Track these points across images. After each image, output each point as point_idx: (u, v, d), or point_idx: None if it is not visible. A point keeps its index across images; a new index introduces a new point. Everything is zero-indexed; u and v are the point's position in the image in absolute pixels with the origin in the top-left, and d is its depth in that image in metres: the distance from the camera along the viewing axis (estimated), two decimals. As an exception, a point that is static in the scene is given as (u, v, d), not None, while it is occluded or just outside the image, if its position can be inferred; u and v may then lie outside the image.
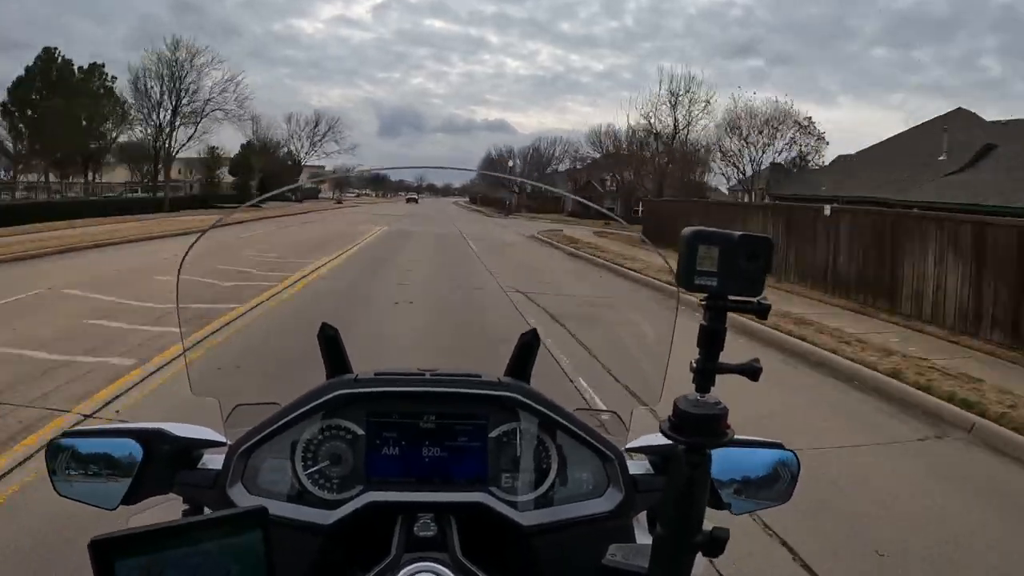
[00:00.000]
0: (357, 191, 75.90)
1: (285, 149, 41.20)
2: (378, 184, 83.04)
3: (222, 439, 0.72)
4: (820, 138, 23.62)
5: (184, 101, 27.79)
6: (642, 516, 0.76)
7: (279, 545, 0.47)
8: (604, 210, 1.83)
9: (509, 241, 15.88)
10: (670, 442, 0.55)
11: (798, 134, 24.11)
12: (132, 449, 0.67)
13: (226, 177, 36.54)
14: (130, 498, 0.67)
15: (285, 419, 0.66)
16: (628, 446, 0.77)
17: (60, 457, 0.67)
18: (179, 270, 0.77)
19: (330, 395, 0.67)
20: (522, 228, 19.31)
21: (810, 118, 22.33)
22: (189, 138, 28.57)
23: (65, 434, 0.68)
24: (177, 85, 27.66)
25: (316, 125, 42.95)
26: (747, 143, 24.31)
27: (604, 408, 0.90)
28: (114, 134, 28.21)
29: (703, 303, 0.55)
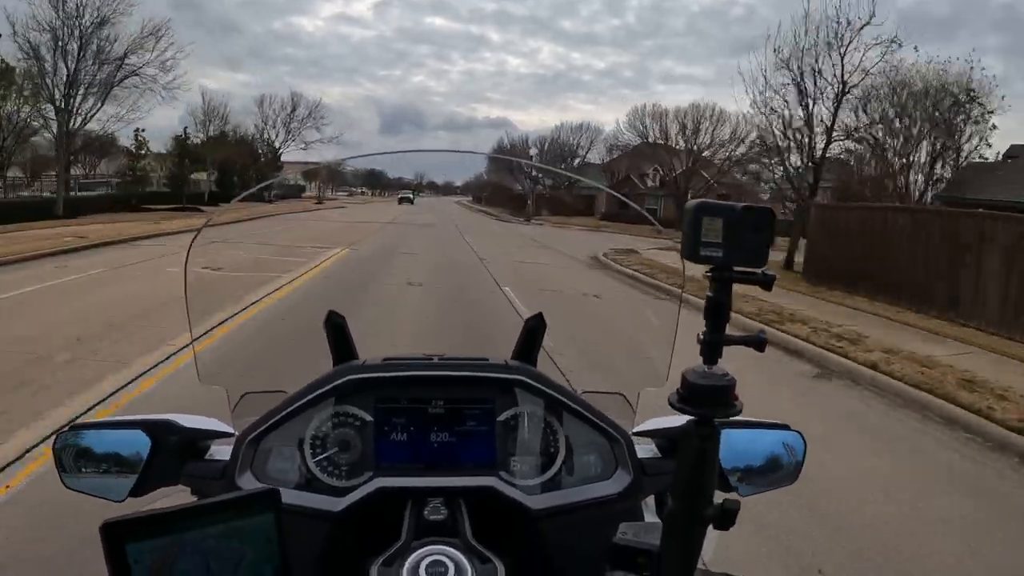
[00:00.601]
0: (350, 188, 74.82)
1: (258, 137, 34.94)
2: (374, 181, 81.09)
3: (230, 430, 0.75)
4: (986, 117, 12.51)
5: (89, 65, 17.63)
6: (650, 500, 0.79)
7: (289, 532, 0.49)
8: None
9: (579, 288, 7.46)
10: (677, 425, 0.57)
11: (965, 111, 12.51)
12: (140, 440, 0.69)
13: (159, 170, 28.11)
14: (138, 490, 0.70)
15: (293, 407, 0.69)
16: (635, 429, 0.80)
17: (68, 449, 0.70)
18: (186, 262, 0.79)
19: (338, 381, 0.70)
20: (561, 242, 12.21)
21: (971, 90, 12.05)
22: (90, 115, 18.09)
23: (73, 426, 0.71)
24: (77, 42, 17.39)
25: (293, 110, 36.35)
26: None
27: (610, 390, 0.93)
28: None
29: (708, 275, 0.57)
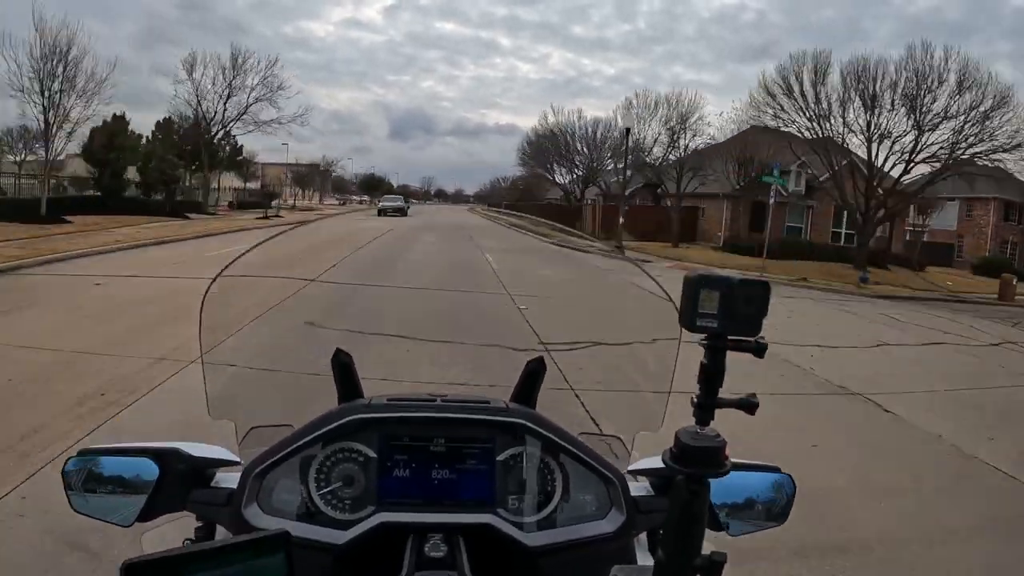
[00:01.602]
0: (345, 196, 73.49)
1: (197, 118, 25.26)
2: (374, 188, 76.50)
3: (235, 458, 0.83)
4: None
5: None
6: (642, 536, 0.86)
7: (295, 570, 0.55)
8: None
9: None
10: (662, 456, 0.63)
11: None
12: (147, 467, 0.77)
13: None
14: (145, 515, 0.77)
15: (299, 442, 0.77)
16: (630, 468, 0.88)
17: (77, 473, 0.77)
18: (203, 302, 0.86)
19: (343, 420, 0.77)
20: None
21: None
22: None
23: (82, 451, 0.79)
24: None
25: (235, 73, 24.87)
26: None
27: (608, 433, 1.01)
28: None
29: (703, 343, 0.63)
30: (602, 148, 29.79)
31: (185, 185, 26.09)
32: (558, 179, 35.14)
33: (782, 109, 19.22)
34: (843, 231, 23.09)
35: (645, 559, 0.83)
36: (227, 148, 29.15)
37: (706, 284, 0.61)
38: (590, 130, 30.38)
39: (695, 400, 0.64)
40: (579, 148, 31.06)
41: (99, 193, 19.50)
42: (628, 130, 20.30)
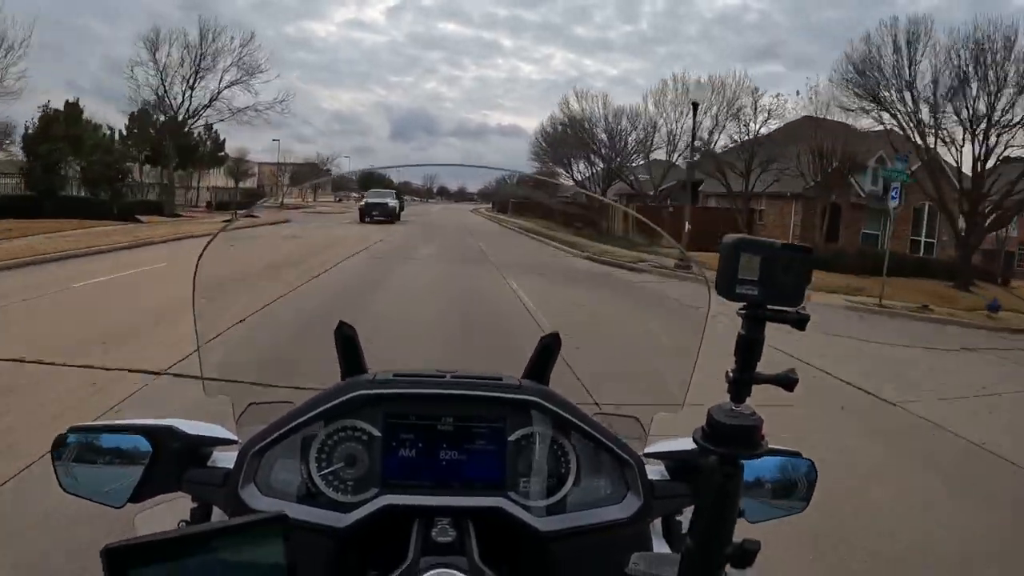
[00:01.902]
0: (341, 195, 76.70)
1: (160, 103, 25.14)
2: (373, 186, 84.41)
3: (232, 436, 0.92)
4: None
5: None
6: (657, 522, 0.94)
7: (294, 554, 0.60)
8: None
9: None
10: (688, 448, 0.69)
11: None
12: (140, 446, 0.85)
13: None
14: (137, 496, 0.85)
15: (300, 419, 0.85)
16: (646, 451, 0.96)
17: (66, 452, 0.85)
18: (195, 270, 0.96)
19: (347, 396, 0.85)
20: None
21: None
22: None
23: (72, 429, 0.87)
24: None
25: (203, 52, 24.75)
26: None
27: (625, 414, 1.09)
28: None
29: (742, 312, 0.70)
30: (626, 139, 30.64)
31: (155, 183, 26.42)
32: (576, 175, 35.53)
33: (869, 95, 18.25)
34: (922, 239, 22.47)
35: (660, 546, 0.91)
36: (207, 142, 29.85)
37: (747, 247, 0.66)
38: (612, 119, 31.02)
39: (730, 374, 0.71)
40: (603, 139, 31.84)
41: (33, 192, 18.94)
42: (696, 106, 18.22)
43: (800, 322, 0.70)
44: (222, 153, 32.80)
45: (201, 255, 0.97)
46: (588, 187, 33.18)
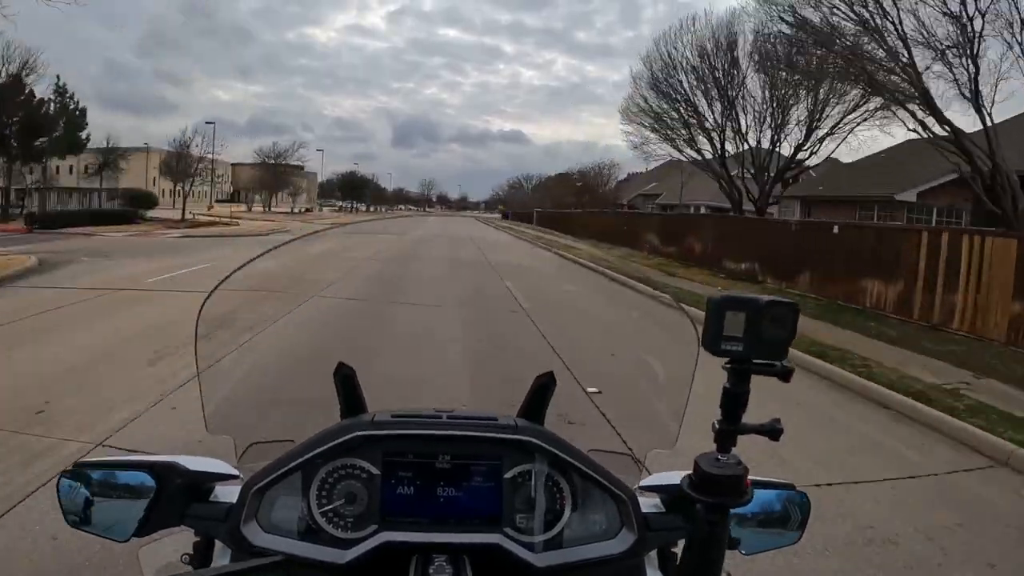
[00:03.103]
0: (316, 203, 78.92)
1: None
2: (356, 190, 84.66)
3: (234, 472, 1.09)
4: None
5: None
6: (653, 554, 1.10)
7: None
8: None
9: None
10: (680, 482, 0.85)
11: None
12: (144, 481, 1.02)
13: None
14: (141, 530, 1.02)
15: (301, 458, 1.02)
16: (641, 484, 1.13)
17: (72, 487, 1.03)
18: (199, 313, 1.14)
19: (346, 436, 1.02)
20: None
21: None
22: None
23: (77, 464, 1.04)
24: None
25: None
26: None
27: (620, 451, 1.29)
28: None
29: (727, 366, 0.86)
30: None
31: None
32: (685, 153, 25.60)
33: None
34: None
35: None
36: (53, 110, 22.25)
37: (731, 305, 0.83)
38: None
39: (716, 426, 0.87)
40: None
41: None
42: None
43: (784, 374, 0.86)
44: (84, 133, 26.51)
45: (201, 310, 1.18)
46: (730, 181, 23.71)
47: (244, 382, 1.66)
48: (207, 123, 39.88)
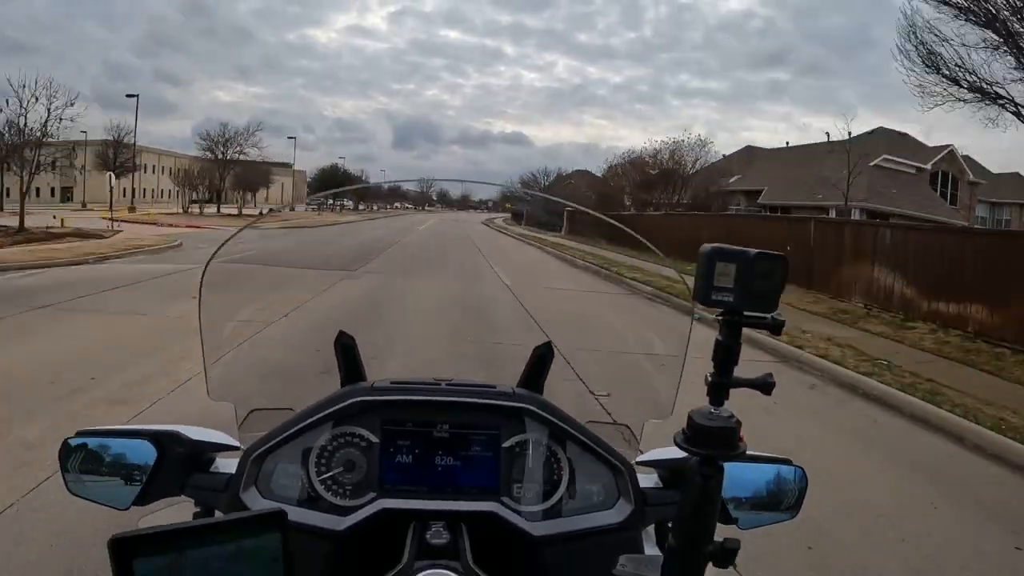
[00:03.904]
0: (315, 203, 78.27)
1: None
2: (331, 184, 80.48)
3: (235, 443, 1.22)
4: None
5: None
6: (650, 529, 1.22)
7: (292, 549, 0.80)
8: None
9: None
10: (680, 456, 0.96)
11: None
12: (145, 450, 1.14)
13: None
14: (142, 499, 1.15)
15: (300, 425, 1.14)
16: (638, 459, 1.24)
17: (73, 456, 1.15)
18: (202, 276, 1.27)
19: (346, 403, 1.14)
20: None
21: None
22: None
23: (79, 433, 1.17)
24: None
25: None
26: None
27: (616, 421, 1.40)
28: None
29: (718, 318, 0.96)
30: None
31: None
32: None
33: None
34: None
35: (653, 552, 1.18)
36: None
37: (722, 256, 0.91)
38: None
39: (709, 379, 0.96)
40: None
41: None
42: None
43: (776, 327, 0.95)
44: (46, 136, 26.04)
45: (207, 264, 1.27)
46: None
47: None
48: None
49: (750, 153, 48.15)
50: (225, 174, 51.86)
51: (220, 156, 54.10)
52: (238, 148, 54.56)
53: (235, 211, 60.58)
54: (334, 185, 75.84)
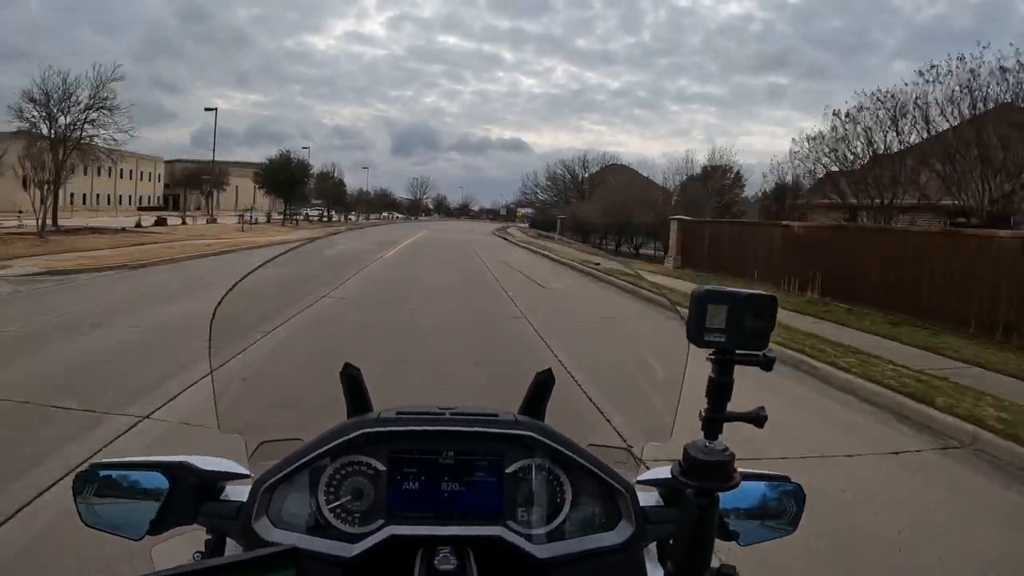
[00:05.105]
0: (303, 210, 74.19)
1: None
2: (289, 189, 68.28)
3: (244, 471, 1.45)
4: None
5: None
6: (652, 547, 1.44)
7: None
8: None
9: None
10: (671, 470, 1.17)
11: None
12: (158, 481, 1.37)
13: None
14: (155, 529, 1.37)
15: (309, 456, 1.36)
16: (639, 478, 1.48)
17: (87, 487, 1.38)
18: (215, 310, 1.51)
19: (353, 434, 1.37)
20: None
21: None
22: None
23: (93, 465, 1.40)
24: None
25: None
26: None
27: (617, 445, 1.65)
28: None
29: (711, 357, 1.16)
30: None
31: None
32: None
33: None
34: None
35: (655, 570, 1.40)
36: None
37: (713, 299, 1.10)
38: None
39: (703, 414, 1.15)
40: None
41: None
42: None
43: (767, 364, 1.14)
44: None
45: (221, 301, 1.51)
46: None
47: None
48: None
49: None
50: (65, 158, 35.36)
51: (53, 131, 36.06)
52: (81, 120, 36.92)
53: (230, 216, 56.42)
54: (284, 181, 65.66)
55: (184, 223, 50.72)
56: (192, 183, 71.26)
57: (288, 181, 66.57)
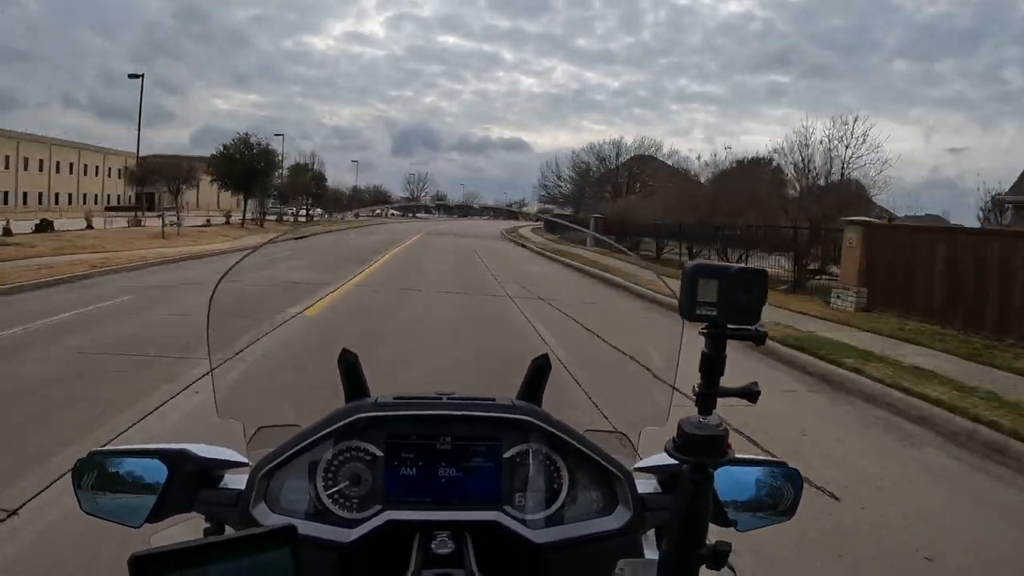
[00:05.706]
0: (291, 208, 70.24)
1: None
2: (248, 180, 55.48)
3: (242, 459, 1.55)
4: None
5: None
6: (650, 533, 1.54)
7: (301, 562, 0.97)
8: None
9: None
10: (676, 462, 1.25)
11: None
12: (157, 469, 1.47)
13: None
14: (154, 516, 1.47)
15: (307, 441, 1.46)
16: (636, 466, 1.58)
17: (87, 475, 1.47)
18: (212, 295, 1.62)
19: (351, 419, 1.47)
20: None
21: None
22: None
23: (92, 453, 1.49)
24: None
25: None
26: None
27: (614, 429, 1.74)
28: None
29: (703, 332, 1.25)
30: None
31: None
32: None
33: None
34: None
35: (653, 556, 1.44)
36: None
37: (704, 273, 1.16)
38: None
39: (696, 389, 1.22)
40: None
41: None
42: None
43: (758, 338, 1.22)
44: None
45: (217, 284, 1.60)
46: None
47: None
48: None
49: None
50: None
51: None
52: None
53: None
54: (239, 169, 54.38)
55: (105, 227, 42.64)
56: (149, 182, 65.78)
57: (246, 172, 55.35)
